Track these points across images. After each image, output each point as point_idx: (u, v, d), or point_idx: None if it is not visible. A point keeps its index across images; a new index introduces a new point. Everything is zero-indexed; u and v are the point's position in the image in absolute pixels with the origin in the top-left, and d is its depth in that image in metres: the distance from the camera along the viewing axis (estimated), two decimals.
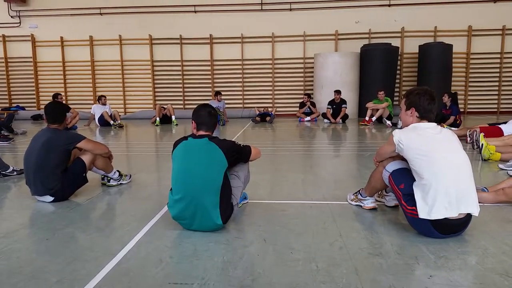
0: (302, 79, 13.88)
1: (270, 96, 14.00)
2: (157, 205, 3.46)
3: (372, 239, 2.72)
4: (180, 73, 14.09)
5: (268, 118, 11.72)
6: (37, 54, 14.36)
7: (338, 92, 11.43)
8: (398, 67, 13.36)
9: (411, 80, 13.63)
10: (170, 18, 13.80)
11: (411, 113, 2.82)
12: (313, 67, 13.28)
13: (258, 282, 2.13)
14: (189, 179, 2.76)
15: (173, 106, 11.93)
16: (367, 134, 8.97)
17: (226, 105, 12.58)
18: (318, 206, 3.46)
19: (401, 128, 2.99)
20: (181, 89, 14.18)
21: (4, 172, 4.74)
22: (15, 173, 4.77)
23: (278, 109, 13.58)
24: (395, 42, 13.18)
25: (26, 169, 3.65)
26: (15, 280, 2.16)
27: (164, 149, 7.27)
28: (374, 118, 10.63)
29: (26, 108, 14.35)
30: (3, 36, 14.19)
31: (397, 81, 13.44)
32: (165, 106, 11.76)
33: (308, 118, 11.95)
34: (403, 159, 2.86)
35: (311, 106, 12.08)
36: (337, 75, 12.34)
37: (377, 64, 12.36)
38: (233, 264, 2.34)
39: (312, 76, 13.40)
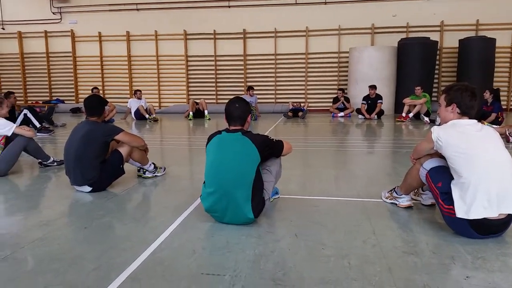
0: (336, 73, 13.68)
1: (303, 91, 13.89)
2: (190, 198, 3.52)
3: (407, 237, 2.66)
4: (213, 68, 14.22)
5: (300, 114, 11.64)
6: (76, 49, 14.87)
7: (373, 87, 11.18)
8: (437, 62, 12.92)
9: (451, 75, 13.14)
10: (204, 14, 13.92)
11: (452, 109, 2.72)
12: (347, 62, 13.05)
13: (289, 276, 2.13)
14: (222, 173, 2.79)
15: (206, 101, 12.06)
16: (403, 131, 8.75)
17: (258, 100, 12.59)
18: (351, 203, 3.41)
19: (439, 125, 2.89)
20: (214, 84, 14.31)
21: (45, 163, 4.96)
22: (55, 163, 4.98)
23: (310, 104, 13.44)
24: (434, 36, 12.74)
25: (66, 160, 3.80)
26: (56, 266, 2.26)
27: (196, 143, 7.38)
28: (411, 115, 10.35)
29: (66, 102, 14.92)
30: (45, 32, 14.77)
31: (436, 76, 13.00)
32: (198, 101, 11.91)
33: (342, 113, 11.78)
34: (441, 156, 2.77)
35: (345, 102, 11.89)
36: (373, 69, 12.07)
37: (415, 59, 11.99)
38: (264, 257, 2.35)
39: (347, 71, 13.18)
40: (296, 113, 11.73)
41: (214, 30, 13.95)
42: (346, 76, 13.23)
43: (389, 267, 2.21)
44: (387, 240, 2.60)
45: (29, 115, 8.36)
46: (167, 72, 14.57)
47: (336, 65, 13.61)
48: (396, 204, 3.28)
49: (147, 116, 11.05)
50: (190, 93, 14.41)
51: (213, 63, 14.19)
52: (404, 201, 3.24)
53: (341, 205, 3.34)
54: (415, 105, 10.38)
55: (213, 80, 14.29)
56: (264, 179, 2.98)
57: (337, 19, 13.31)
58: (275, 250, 2.45)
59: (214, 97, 14.30)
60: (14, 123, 4.80)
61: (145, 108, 11.20)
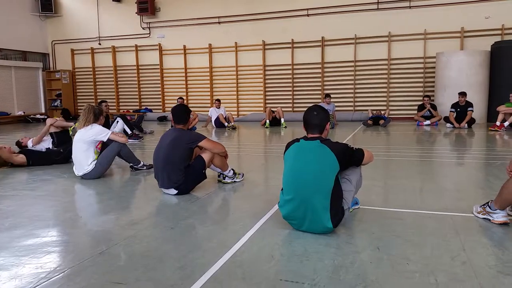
0: (421, 80, 12.96)
1: (384, 98, 13.37)
2: (267, 204, 3.56)
3: (502, 256, 2.43)
4: (290, 76, 14.30)
5: (381, 122, 11.20)
6: (163, 61, 15.90)
7: (463, 94, 10.41)
8: None
9: None
10: (283, 23, 14.08)
11: None
12: (434, 67, 12.32)
13: None
14: (300, 181, 2.79)
15: (283, 109, 12.13)
16: (497, 141, 8.01)
17: (336, 108, 12.37)
18: (439, 217, 3.20)
19: None
20: (290, 92, 14.37)
21: (135, 166, 5.35)
22: (145, 167, 5.35)
23: (392, 112, 12.86)
24: None
25: (155, 164, 4.08)
26: (145, 262, 2.43)
27: (273, 151, 7.45)
28: (506, 123, 9.45)
29: (153, 111, 15.98)
30: (136, 46, 16.01)
31: None
32: (274, 109, 12.04)
33: (428, 122, 11.11)
34: None
35: (431, 109, 11.21)
36: (463, 75, 11.24)
37: (510, 63, 10.94)
38: (344, 268, 2.29)
39: (433, 77, 12.43)
40: (376, 121, 11.31)
41: (292, 39, 14.04)
42: (433, 82, 12.48)
43: (482, 287, 2.04)
44: (479, 258, 2.40)
45: (121, 122, 9.09)
46: (246, 81, 14.96)
47: (421, 70, 12.91)
48: (490, 219, 3.01)
49: (226, 124, 11.43)
50: (267, 101, 14.62)
51: (290, 71, 14.27)
52: (499, 216, 2.97)
53: (427, 219, 3.15)
54: (510, 113, 9.46)
55: (290, 88, 14.36)
56: (344, 188, 2.93)
57: (422, 23, 12.65)
58: (356, 262, 2.38)
59: (291, 105, 14.35)
60: (109, 130, 5.25)
61: (224, 116, 11.60)
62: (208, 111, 12.25)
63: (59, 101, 16.81)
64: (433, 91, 12.39)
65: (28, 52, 16.40)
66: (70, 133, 6.75)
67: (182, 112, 4.13)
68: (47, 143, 6.80)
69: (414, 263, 2.35)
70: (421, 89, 12.93)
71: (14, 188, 4.55)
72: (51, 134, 6.90)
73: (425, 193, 4.00)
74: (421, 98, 12.05)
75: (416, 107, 11.83)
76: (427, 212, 3.32)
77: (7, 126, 14.02)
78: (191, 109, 11.29)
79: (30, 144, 6.91)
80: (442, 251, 2.51)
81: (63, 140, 6.74)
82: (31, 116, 15.75)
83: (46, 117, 14.89)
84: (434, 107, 11.30)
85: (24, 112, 15.71)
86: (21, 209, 3.67)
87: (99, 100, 10.46)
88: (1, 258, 2.53)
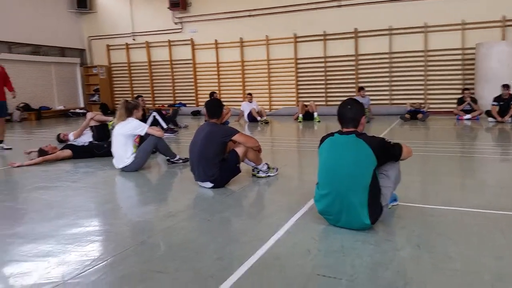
0: (460, 72, 12.48)
1: (422, 92, 12.97)
2: (302, 198, 3.54)
3: None
4: (323, 69, 14.11)
5: (420, 116, 10.87)
6: (195, 56, 16.07)
7: (506, 86, 9.93)
8: None
9: None
10: (314, 15, 13.89)
11: None
12: (474, 59, 11.82)
13: (411, 287, 2.01)
14: (335, 175, 2.76)
15: (316, 103, 12.01)
16: None
17: (372, 102, 12.11)
18: (482, 215, 3.08)
19: None
20: (323, 86, 14.20)
21: (172, 160, 5.46)
22: (180, 161, 5.45)
23: (431, 106, 12.45)
24: None
25: (191, 158, 4.14)
26: (184, 254, 2.48)
27: (306, 145, 7.40)
28: None
29: (187, 105, 16.22)
30: (169, 41, 16.26)
31: None
32: (307, 103, 11.94)
33: (469, 116, 10.68)
34: None
35: (471, 103, 10.78)
36: (504, 67, 10.73)
37: None
38: (383, 265, 2.26)
39: (473, 69, 11.93)
40: (414, 115, 10.98)
41: (324, 31, 13.84)
42: (473, 74, 11.98)
43: None
44: None
45: (157, 117, 9.28)
46: (277, 75, 14.90)
47: (460, 62, 12.42)
48: None
49: (258, 118, 11.44)
50: (300, 95, 14.51)
51: (322, 64, 14.08)
52: None
53: (469, 217, 3.04)
54: None
55: (323, 81, 14.18)
56: (381, 183, 2.86)
57: (460, 13, 12.14)
58: (395, 259, 2.34)
59: (324, 99, 14.19)
60: (146, 124, 5.38)
61: (257, 110, 11.61)
62: (240, 105, 12.30)
63: (97, 95, 17.33)
64: (473, 83, 11.89)
65: (66, 48, 16.98)
66: (110, 127, 6.97)
67: (215, 106, 4.17)
68: (87, 137, 7.06)
69: (456, 261, 2.28)
70: (460, 81, 12.44)
71: (58, 179, 4.74)
72: (91, 127, 7.16)
73: (466, 190, 3.87)
74: (460, 91, 11.60)
75: (456, 101, 11.41)
76: (469, 209, 3.20)
77: (49, 120, 14.63)
78: (224, 103, 11.38)
79: (71, 137, 7.18)
80: (486, 250, 2.43)
81: (102, 133, 6.97)
82: (71, 110, 16.35)
83: (85, 111, 15.40)
84: (474, 100, 10.86)
85: (64, 107, 16.33)
86: (65, 199, 3.84)
87: (135, 95, 10.69)
88: (50, 246, 2.66)
